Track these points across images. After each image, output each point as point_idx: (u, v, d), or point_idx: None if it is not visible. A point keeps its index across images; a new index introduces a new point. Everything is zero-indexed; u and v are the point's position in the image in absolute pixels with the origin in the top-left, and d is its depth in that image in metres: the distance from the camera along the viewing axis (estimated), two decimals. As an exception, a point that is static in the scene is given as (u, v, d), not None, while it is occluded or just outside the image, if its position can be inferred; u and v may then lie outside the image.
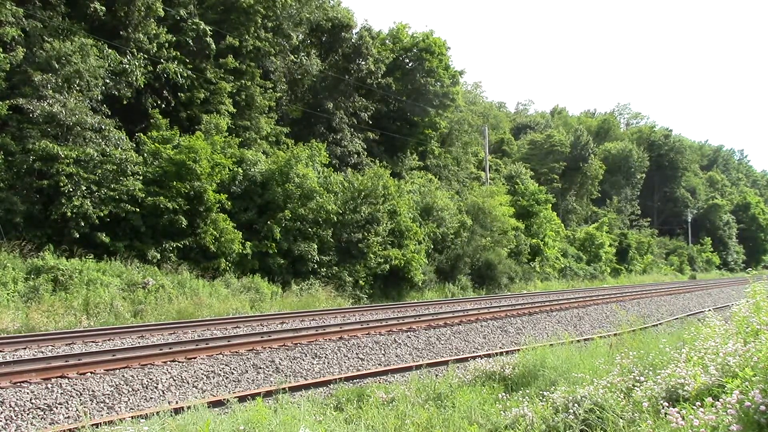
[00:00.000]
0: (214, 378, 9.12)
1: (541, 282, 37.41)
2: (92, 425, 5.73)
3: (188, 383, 8.77)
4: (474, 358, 10.19)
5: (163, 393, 8.36)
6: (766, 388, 3.74)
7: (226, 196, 20.80)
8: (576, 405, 4.97)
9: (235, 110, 25.56)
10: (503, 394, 6.40)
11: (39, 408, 7.24)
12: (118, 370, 8.68)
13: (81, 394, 7.72)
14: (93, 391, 7.86)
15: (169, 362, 9.33)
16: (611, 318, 19.20)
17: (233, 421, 5.00)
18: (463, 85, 50.90)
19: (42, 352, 10.23)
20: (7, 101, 16.92)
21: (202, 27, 23.98)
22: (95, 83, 19.14)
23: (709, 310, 8.33)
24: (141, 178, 19.03)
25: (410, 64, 38.97)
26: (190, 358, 9.65)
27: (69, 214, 16.72)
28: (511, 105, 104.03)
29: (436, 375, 8.48)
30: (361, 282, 23.62)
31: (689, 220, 74.40)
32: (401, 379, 9.72)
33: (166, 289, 16.95)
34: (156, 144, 20.23)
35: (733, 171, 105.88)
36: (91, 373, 8.46)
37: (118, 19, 21.57)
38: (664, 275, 57.44)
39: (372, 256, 24.21)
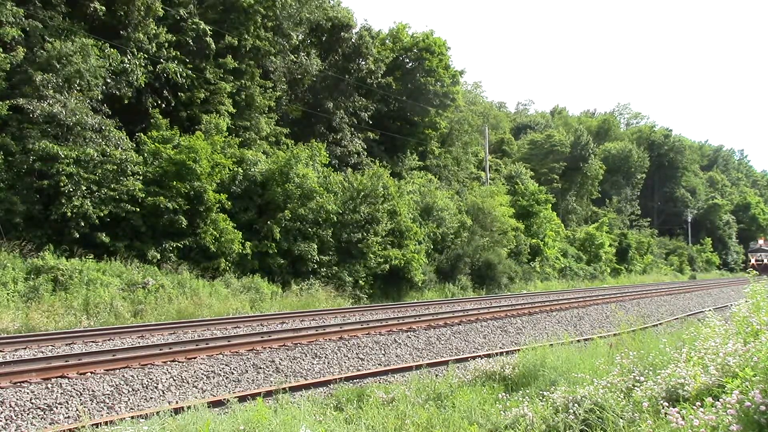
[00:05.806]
0: (214, 378, 9.12)
1: (541, 282, 37.40)
2: (92, 425, 5.73)
3: (188, 383, 8.77)
4: (474, 358, 10.19)
5: (163, 393, 8.36)
6: (766, 388, 3.74)
7: (226, 196, 20.79)
8: (576, 405, 4.96)
9: (235, 110, 25.55)
10: (503, 394, 6.40)
11: (39, 408, 7.24)
12: (118, 370, 8.68)
13: (81, 394, 7.72)
14: (93, 391, 7.86)
15: (169, 362, 9.33)
16: (611, 318, 19.19)
17: (233, 421, 5.00)
18: (463, 85, 50.85)
19: (42, 352, 10.23)
20: (8, 101, 16.90)
21: (201, 27, 23.97)
22: (95, 83, 19.14)
23: (709, 310, 8.33)
24: (141, 178, 19.03)
25: (410, 64, 38.94)
26: (190, 358, 9.66)
27: (69, 214, 16.71)
28: (511, 105, 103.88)
29: (436, 375, 8.49)
30: (361, 282, 23.61)
31: (689, 220, 74.43)
32: (401, 379, 9.71)
33: (166, 289, 16.95)
34: (156, 144, 20.23)
35: (733, 171, 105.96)
36: (91, 373, 8.46)
37: (118, 19, 21.56)
38: (664, 275, 57.41)
39: (372, 256, 24.21)
